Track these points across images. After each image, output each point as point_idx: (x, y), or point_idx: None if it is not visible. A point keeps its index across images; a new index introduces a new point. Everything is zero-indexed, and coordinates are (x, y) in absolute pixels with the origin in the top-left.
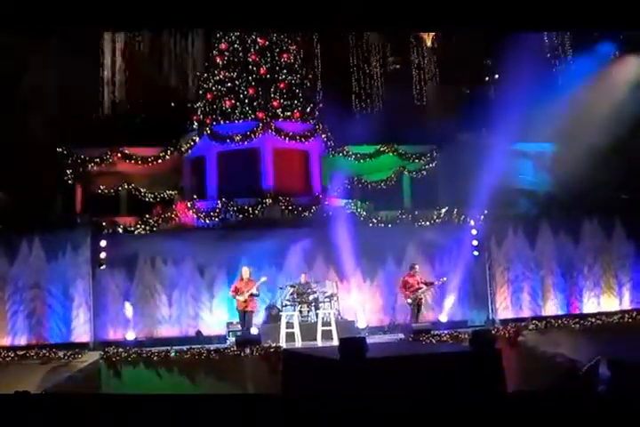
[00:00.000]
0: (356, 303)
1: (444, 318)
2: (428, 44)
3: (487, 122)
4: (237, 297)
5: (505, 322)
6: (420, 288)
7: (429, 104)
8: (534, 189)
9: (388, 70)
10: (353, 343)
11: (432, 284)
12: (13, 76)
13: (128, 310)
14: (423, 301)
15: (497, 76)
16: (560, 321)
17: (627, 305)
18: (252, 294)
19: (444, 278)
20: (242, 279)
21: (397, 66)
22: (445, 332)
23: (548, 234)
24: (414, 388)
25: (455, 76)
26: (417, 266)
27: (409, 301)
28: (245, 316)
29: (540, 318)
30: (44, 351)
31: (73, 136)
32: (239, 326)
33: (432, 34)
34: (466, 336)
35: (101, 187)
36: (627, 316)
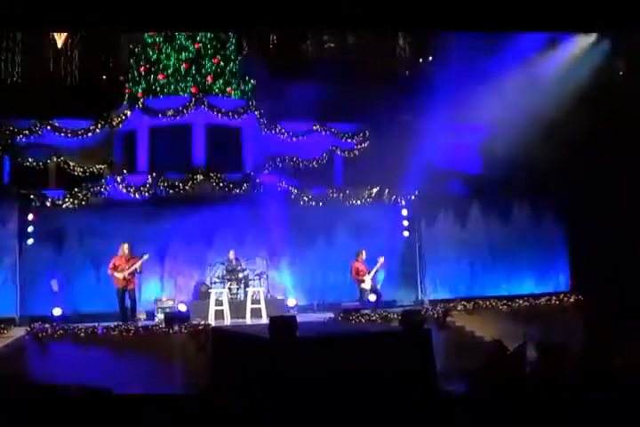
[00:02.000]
0: (286, 281)
1: (372, 298)
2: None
3: (421, 102)
4: (116, 274)
5: (434, 303)
6: (369, 273)
7: (363, 83)
8: (465, 171)
9: (323, 48)
10: (283, 322)
11: (376, 268)
12: None
13: (54, 285)
14: (373, 284)
15: (430, 58)
16: (488, 302)
17: (555, 288)
18: (133, 272)
19: (382, 258)
20: (122, 256)
21: (332, 44)
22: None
23: (478, 215)
24: (344, 367)
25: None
26: (364, 252)
27: (365, 286)
28: (127, 294)
29: (469, 299)
30: None
31: (1, 106)
32: (169, 302)
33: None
34: (395, 316)
35: (30, 159)
36: (554, 298)
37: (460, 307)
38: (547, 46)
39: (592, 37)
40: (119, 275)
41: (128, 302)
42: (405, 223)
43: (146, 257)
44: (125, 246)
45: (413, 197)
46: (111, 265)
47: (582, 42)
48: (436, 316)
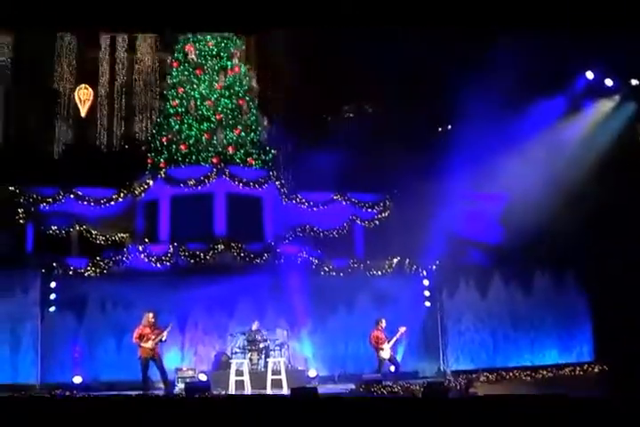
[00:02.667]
0: (307, 352)
1: (392, 369)
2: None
3: (441, 171)
4: (143, 344)
5: (456, 373)
6: (389, 342)
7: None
8: (486, 240)
9: (343, 118)
10: (305, 395)
11: (396, 337)
12: None
13: (76, 352)
14: (392, 353)
15: (449, 126)
16: (511, 373)
17: (578, 358)
18: (160, 341)
19: (403, 328)
20: (146, 325)
21: (351, 114)
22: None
23: (500, 285)
24: None
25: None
26: (383, 321)
27: (383, 355)
28: (153, 363)
29: (492, 370)
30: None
31: (26, 174)
32: (189, 372)
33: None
34: (417, 388)
35: (53, 227)
36: (578, 368)
37: (482, 378)
38: (568, 112)
39: (614, 102)
40: (146, 345)
41: (151, 371)
42: (427, 293)
43: (170, 326)
44: (150, 315)
45: (434, 267)
46: (136, 335)
47: (604, 106)
48: (458, 387)
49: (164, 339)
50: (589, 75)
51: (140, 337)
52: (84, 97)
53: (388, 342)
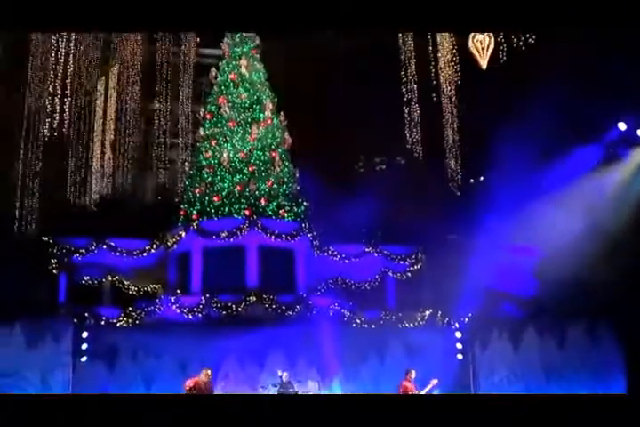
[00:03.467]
0: None
1: None
2: (484, 67)
3: (474, 223)
4: None
5: None
6: (419, 393)
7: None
8: (519, 292)
9: (374, 170)
10: None
11: (427, 388)
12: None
13: None
14: None
15: (482, 177)
16: None
17: None
18: None
19: (435, 380)
20: (205, 381)
21: (383, 167)
22: None
23: (533, 338)
24: None
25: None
26: (413, 372)
27: None
28: None
29: None
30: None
31: (59, 225)
32: None
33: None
34: None
35: (85, 277)
36: None
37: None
38: (603, 161)
39: None
40: None
41: None
42: (459, 346)
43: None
44: (209, 372)
45: (467, 320)
46: (191, 383)
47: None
48: None
49: None
50: (622, 126)
51: (191, 390)
52: None
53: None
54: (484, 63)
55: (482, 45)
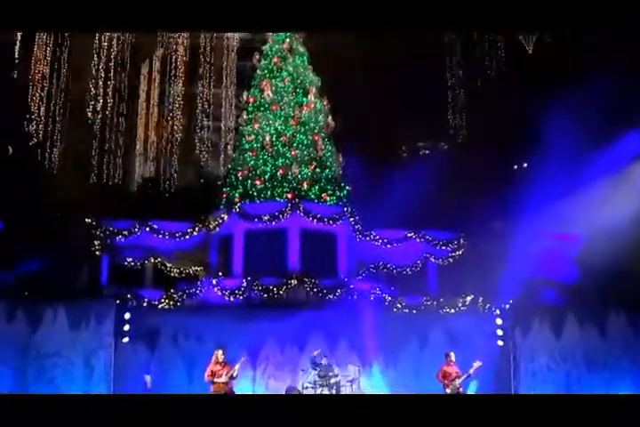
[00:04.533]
0: (378, 388)
1: None
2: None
3: (517, 209)
4: (216, 380)
5: None
6: (459, 377)
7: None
8: (561, 279)
9: (418, 154)
10: None
11: (469, 373)
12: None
13: (147, 383)
14: (462, 389)
15: (525, 164)
16: None
17: None
18: (232, 377)
19: (479, 363)
20: (217, 362)
21: (427, 151)
22: None
23: (575, 326)
24: None
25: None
26: (452, 354)
27: (448, 391)
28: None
29: None
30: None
31: (102, 208)
32: None
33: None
34: None
35: (128, 259)
36: None
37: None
38: None
39: None
40: (220, 380)
41: None
42: (500, 332)
43: (242, 360)
44: (220, 353)
45: (508, 306)
46: (208, 372)
47: None
48: None
49: (235, 374)
50: None
51: (212, 374)
52: None
53: (460, 377)
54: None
55: None
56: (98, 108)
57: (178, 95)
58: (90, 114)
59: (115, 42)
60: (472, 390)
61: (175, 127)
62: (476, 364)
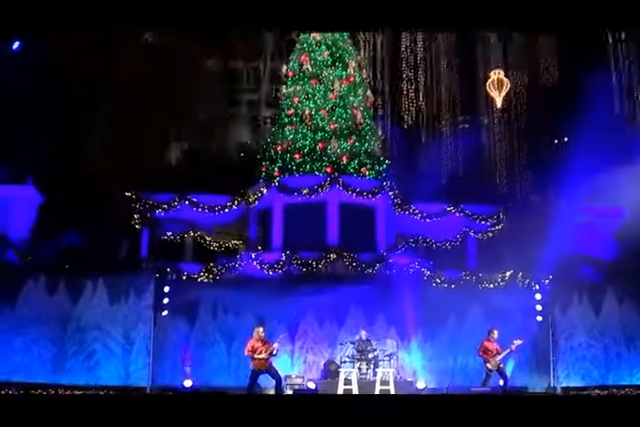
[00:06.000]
0: (416, 363)
1: (500, 382)
2: (499, 105)
3: (557, 184)
4: (256, 356)
5: (567, 390)
6: (500, 353)
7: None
8: (600, 256)
9: (457, 129)
10: None
11: (510, 349)
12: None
13: (187, 357)
14: (502, 366)
15: (566, 138)
16: (623, 391)
17: None
18: (272, 353)
19: (519, 341)
20: (257, 339)
21: (467, 125)
22: None
23: (613, 302)
24: None
25: (524, 138)
26: (495, 331)
27: (489, 366)
28: (270, 373)
29: (603, 387)
30: (100, 394)
31: (142, 181)
32: (298, 379)
33: (503, 94)
34: None
35: (167, 233)
36: None
37: (593, 395)
38: None
39: None
40: (260, 356)
41: (261, 379)
42: (539, 308)
43: (282, 338)
44: (260, 330)
45: (547, 282)
46: (249, 347)
47: None
48: None
49: (274, 352)
50: None
51: (253, 350)
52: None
53: (499, 353)
54: (499, 101)
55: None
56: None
57: (217, 68)
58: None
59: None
60: (509, 368)
61: (214, 101)
62: (517, 341)
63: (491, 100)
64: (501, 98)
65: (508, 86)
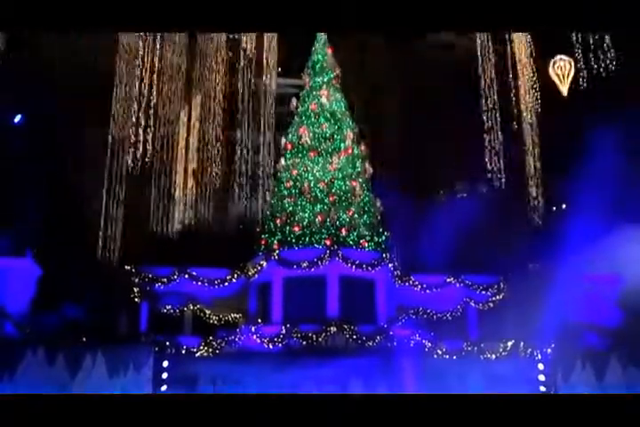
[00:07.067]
0: None
1: None
2: (564, 92)
3: (556, 252)
4: None
5: None
6: None
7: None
8: (603, 323)
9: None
10: None
11: None
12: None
13: None
14: None
15: (564, 206)
16: None
17: None
18: None
19: None
20: None
21: (465, 195)
22: None
23: (618, 369)
24: None
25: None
26: None
27: None
28: None
29: None
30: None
31: (141, 254)
32: None
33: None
34: None
35: (167, 306)
36: None
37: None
38: None
39: None
40: None
41: None
42: (542, 378)
43: None
44: None
45: (549, 351)
46: None
47: None
48: None
49: None
50: None
51: None
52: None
53: None
54: (564, 90)
55: (562, 72)
56: (137, 155)
57: (215, 141)
58: (129, 160)
59: (154, 89)
60: None
61: (213, 174)
62: None
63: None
64: (567, 85)
65: (573, 72)
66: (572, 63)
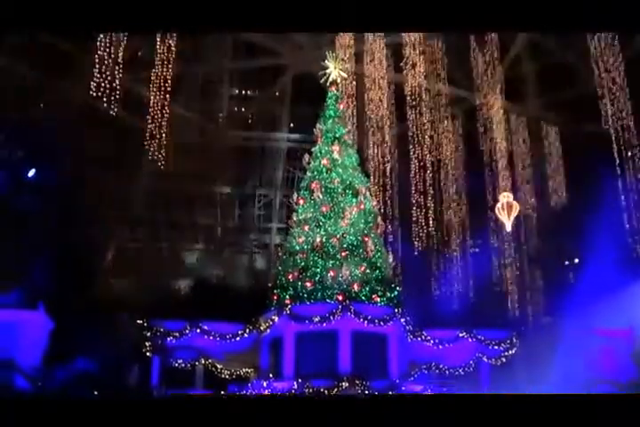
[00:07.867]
0: None
1: None
2: (508, 228)
3: (567, 306)
4: None
5: None
6: None
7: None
8: (617, 378)
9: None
10: None
11: None
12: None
13: None
14: None
15: (577, 260)
16: None
17: None
18: None
19: None
20: None
21: (477, 249)
22: None
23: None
24: None
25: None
26: None
27: None
28: None
29: None
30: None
31: (153, 308)
32: None
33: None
34: None
35: (178, 360)
36: None
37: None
38: None
39: None
40: None
41: None
42: None
43: None
44: None
45: None
46: None
47: None
48: None
49: None
50: None
51: None
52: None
53: None
54: (508, 225)
55: (507, 211)
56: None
57: (227, 197)
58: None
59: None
60: None
61: (225, 229)
62: None
63: (501, 224)
64: (511, 222)
65: (518, 210)
66: (517, 205)
